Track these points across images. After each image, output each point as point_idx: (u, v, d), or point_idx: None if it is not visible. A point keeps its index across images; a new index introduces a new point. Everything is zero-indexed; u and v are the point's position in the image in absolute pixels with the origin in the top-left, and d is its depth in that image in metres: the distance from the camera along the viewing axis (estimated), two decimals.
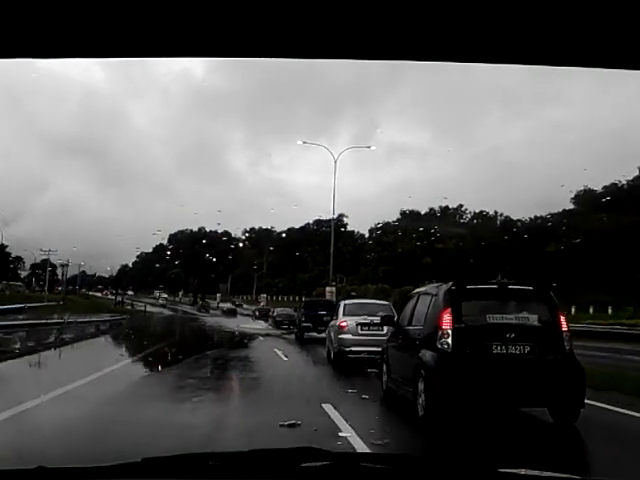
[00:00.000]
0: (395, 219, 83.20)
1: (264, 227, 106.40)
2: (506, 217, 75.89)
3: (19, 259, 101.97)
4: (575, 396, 8.18)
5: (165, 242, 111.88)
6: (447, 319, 8.33)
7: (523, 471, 1.89)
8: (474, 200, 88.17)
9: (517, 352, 8.19)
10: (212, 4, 1.23)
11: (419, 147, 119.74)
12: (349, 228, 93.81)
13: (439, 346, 8.27)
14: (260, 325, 43.05)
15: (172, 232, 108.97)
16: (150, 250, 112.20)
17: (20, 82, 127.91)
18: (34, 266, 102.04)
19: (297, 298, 65.59)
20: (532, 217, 71.38)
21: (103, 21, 1.26)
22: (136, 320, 41.25)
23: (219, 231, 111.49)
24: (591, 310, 50.46)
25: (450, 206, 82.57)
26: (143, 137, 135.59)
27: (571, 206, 68.38)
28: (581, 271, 55.08)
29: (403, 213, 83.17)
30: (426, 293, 9.90)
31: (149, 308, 63.29)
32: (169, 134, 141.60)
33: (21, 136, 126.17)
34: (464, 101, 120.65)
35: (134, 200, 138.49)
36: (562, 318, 8.71)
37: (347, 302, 18.24)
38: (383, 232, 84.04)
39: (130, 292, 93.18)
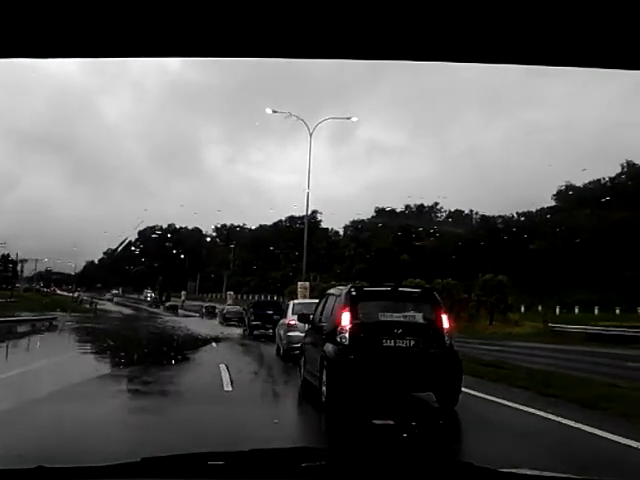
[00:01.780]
0: (370, 217, 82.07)
1: (236, 224, 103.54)
2: (483, 215, 74.27)
3: None
4: (453, 384, 9.43)
5: (133, 239, 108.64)
6: (345, 317, 9.49)
7: (523, 471, 1.93)
8: (451, 199, 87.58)
9: (404, 345, 9.39)
10: (191, 4, 1.23)
11: (396, 146, 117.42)
12: (323, 225, 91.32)
13: (338, 340, 9.45)
14: (211, 324, 42.10)
15: (141, 229, 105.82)
16: (119, 247, 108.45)
17: None
18: None
19: (269, 296, 62.92)
20: (513, 214, 69.61)
21: (81, 22, 1.25)
22: (73, 320, 37.37)
23: (189, 228, 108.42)
24: (577, 310, 48.02)
25: (426, 204, 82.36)
26: (116, 132, 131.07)
27: (552, 203, 66.65)
28: (566, 269, 52.76)
29: (379, 211, 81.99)
30: (332, 294, 11.07)
31: (107, 306, 60.11)
32: (142, 129, 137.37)
33: None
34: (442, 100, 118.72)
35: (105, 196, 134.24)
36: (444, 317, 9.85)
37: (296, 302, 19.52)
38: (358, 229, 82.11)
39: (83, 291, 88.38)
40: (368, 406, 9.26)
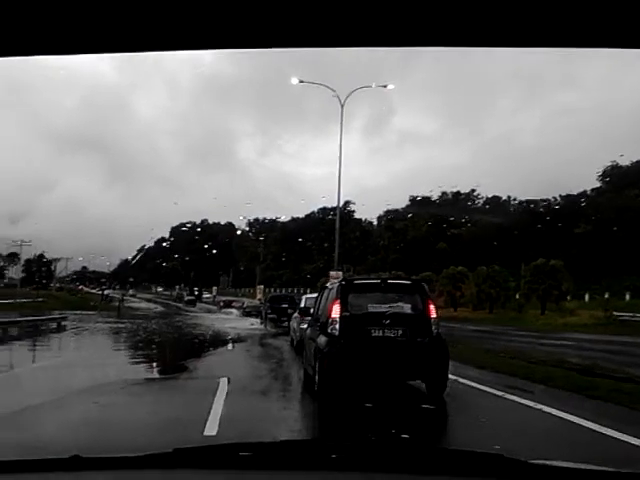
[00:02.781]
0: (405, 206, 79.92)
1: (268, 218, 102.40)
2: (522, 201, 71.30)
3: (14, 255, 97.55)
4: (440, 371, 9.74)
5: (167, 235, 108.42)
6: (336, 309, 9.86)
7: (556, 463, 1.88)
8: (487, 186, 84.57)
9: (392, 335, 9.71)
10: None
11: (430, 133, 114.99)
12: (357, 216, 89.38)
13: (329, 331, 9.85)
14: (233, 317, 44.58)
15: (174, 225, 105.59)
16: (152, 244, 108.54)
17: (25, 77, 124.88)
18: (28, 262, 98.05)
19: (302, 290, 61.33)
20: (554, 197, 66.50)
21: (111, 15, 1.25)
22: (90, 319, 36.17)
23: (222, 223, 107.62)
24: (627, 297, 44.95)
25: (462, 192, 79.97)
26: (149, 129, 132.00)
27: (596, 185, 63.36)
28: (614, 254, 49.62)
29: (413, 200, 79.72)
30: (327, 287, 11.62)
31: (139, 303, 59.86)
32: (175, 125, 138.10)
33: (27, 133, 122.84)
34: (476, 85, 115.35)
35: (139, 194, 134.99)
36: (432, 307, 10.10)
37: (308, 296, 19.37)
38: (393, 219, 79.86)
39: (117, 288, 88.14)
40: (361, 394, 9.46)
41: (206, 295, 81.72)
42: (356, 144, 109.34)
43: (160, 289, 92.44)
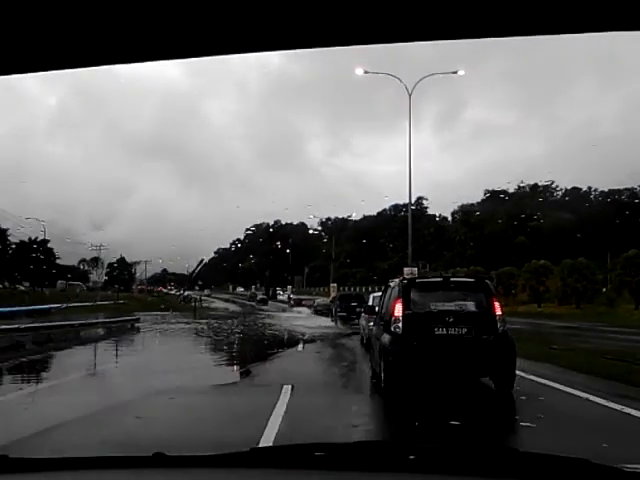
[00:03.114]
0: (480, 200, 78.70)
1: (340, 217, 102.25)
2: (604, 191, 67.77)
3: (97, 260, 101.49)
4: (506, 368, 9.64)
5: (242, 237, 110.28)
6: (398, 308, 9.97)
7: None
8: (566, 177, 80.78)
9: (455, 333, 9.68)
10: None
11: (504, 125, 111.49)
12: (430, 212, 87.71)
13: (392, 330, 9.91)
14: (304, 315, 45.26)
15: (248, 226, 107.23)
16: (227, 246, 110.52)
17: (100, 87, 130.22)
18: (111, 265, 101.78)
19: (375, 288, 60.43)
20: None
21: (181, 21, 1.26)
22: (165, 319, 36.45)
23: (295, 223, 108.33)
24: None
25: (540, 184, 77.66)
26: (221, 133, 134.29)
27: None
28: None
29: (488, 193, 77.97)
30: (390, 286, 11.61)
31: (215, 303, 61.03)
32: (247, 128, 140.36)
33: (105, 141, 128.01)
34: (552, 74, 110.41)
35: (214, 197, 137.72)
36: (497, 304, 10.09)
37: (375, 294, 19.34)
38: (468, 214, 77.78)
39: (197, 290, 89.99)
40: (430, 392, 9.55)
41: (280, 294, 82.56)
42: (426, 138, 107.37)
43: (241, 289, 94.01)
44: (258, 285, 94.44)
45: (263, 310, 57.26)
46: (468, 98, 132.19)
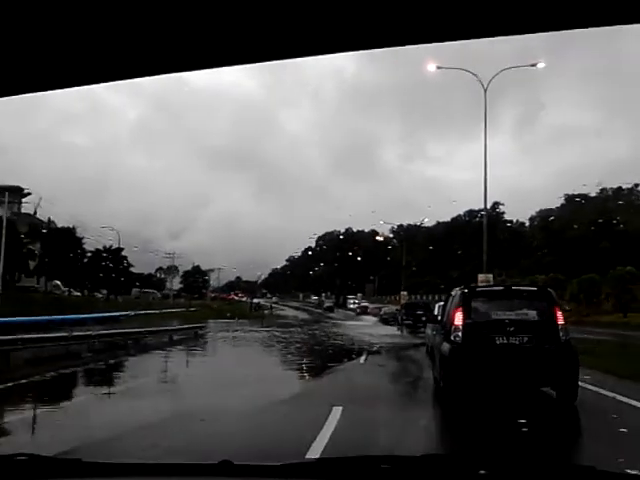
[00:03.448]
0: (559, 205, 76.15)
1: (412, 223, 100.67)
2: None
3: (172, 268, 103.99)
4: (569, 379, 9.54)
5: (313, 245, 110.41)
6: (458, 316, 9.95)
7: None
8: None
9: (517, 342, 9.61)
10: None
11: (584, 127, 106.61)
12: (506, 217, 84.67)
13: (452, 339, 9.90)
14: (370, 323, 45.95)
15: (320, 234, 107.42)
16: (299, 254, 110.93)
17: (178, 101, 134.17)
18: (186, 273, 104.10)
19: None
20: None
21: (254, 24, 1.26)
22: (232, 327, 36.23)
23: (366, 230, 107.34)
24: None
25: (624, 187, 75.39)
26: (295, 141, 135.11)
27: None
28: None
29: (569, 197, 75.15)
30: (452, 295, 11.45)
31: (285, 310, 61.47)
32: (320, 136, 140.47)
33: (184, 153, 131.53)
34: (635, 73, 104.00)
35: (288, 205, 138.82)
36: (559, 314, 9.95)
37: (440, 303, 18.83)
38: (547, 219, 74.68)
39: (268, 297, 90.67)
40: (489, 402, 9.40)
41: (351, 302, 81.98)
42: (503, 142, 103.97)
43: (314, 297, 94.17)
44: (328, 293, 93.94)
45: (331, 318, 57.03)
46: (546, 98, 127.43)
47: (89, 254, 55.87)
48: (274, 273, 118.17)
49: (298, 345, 25.57)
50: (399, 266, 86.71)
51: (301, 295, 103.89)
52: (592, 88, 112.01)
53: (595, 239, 61.38)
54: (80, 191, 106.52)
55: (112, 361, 17.70)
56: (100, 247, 56.63)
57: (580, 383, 9.92)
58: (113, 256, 56.34)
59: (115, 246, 58.21)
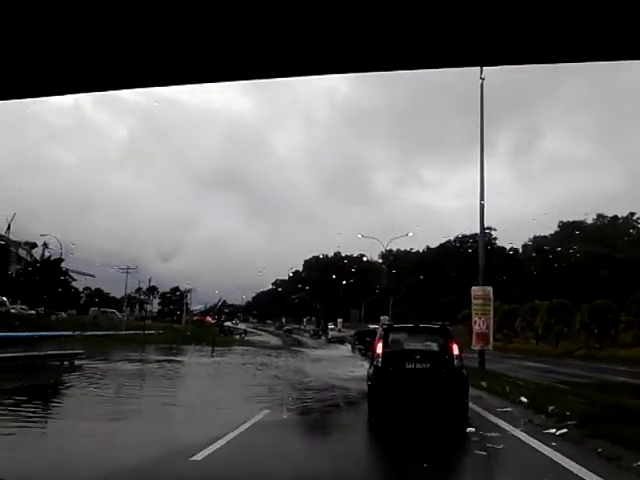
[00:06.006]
0: (554, 232, 74.83)
1: (402, 249, 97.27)
2: None
3: (153, 289, 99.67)
4: (460, 397, 12.17)
5: (300, 269, 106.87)
6: (379, 347, 12.78)
7: None
8: None
9: (421, 367, 12.46)
10: (358, 15, 1.19)
11: (578, 155, 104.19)
12: (499, 244, 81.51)
13: (374, 364, 12.77)
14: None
15: (307, 258, 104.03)
16: (286, 278, 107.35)
17: (167, 120, 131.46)
18: (164, 295, 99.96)
19: (438, 323, 54.59)
20: None
21: (245, 41, 1.25)
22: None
23: (354, 255, 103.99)
24: None
25: (619, 216, 74.57)
26: (284, 164, 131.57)
27: None
28: None
29: (563, 225, 74.20)
30: (377, 330, 15.90)
31: (261, 336, 57.82)
32: (311, 159, 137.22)
33: (171, 172, 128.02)
34: (630, 102, 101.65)
35: (277, 228, 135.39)
36: (454, 346, 12.75)
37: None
38: (542, 246, 72.38)
39: (247, 321, 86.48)
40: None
41: (332, 328, 77.95)
42: (497, 170, 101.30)
43: (305, 323, 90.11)
44: (310, 318, 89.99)
45: (300, 344, 54.24)
46: (541, 128, 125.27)
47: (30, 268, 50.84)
48: (259, 296, 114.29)
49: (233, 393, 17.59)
50: (387, 292, 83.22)
51: (284, 319, 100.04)
52: (585, 117, 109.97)
53: (593, 267, 58.55)
54: (63, 209, 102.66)
55: None
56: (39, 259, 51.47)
57: None
58: (51, 269, 51.04)
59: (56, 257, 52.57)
